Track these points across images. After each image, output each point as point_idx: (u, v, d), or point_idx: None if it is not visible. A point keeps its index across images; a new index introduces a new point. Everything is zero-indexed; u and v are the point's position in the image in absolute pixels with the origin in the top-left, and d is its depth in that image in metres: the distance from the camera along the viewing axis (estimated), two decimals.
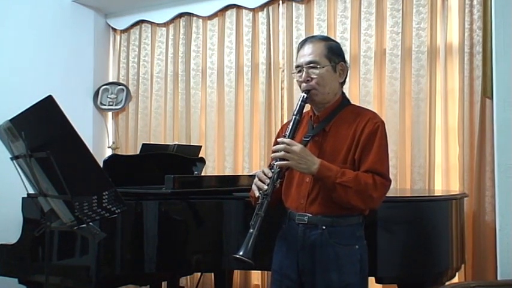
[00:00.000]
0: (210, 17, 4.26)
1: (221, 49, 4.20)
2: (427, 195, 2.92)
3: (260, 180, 1.85)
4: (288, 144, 1.80)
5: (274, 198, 1.93)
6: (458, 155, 3.27)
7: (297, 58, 1.99)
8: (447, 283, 2.53)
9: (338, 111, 1.95)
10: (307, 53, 1.91)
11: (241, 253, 1.74)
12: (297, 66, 1.95)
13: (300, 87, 1.94)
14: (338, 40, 3.65)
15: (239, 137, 4.08)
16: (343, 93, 2.03)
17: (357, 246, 1.89)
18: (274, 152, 1.84)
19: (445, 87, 3.38)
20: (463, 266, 2.90)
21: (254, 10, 4.05)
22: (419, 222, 2.46)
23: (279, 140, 1.85)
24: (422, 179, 3.35)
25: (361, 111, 1.98)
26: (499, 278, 2.63)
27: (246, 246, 1.74)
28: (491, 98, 2.95)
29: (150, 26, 4.57)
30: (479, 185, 3.16)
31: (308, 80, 1.90)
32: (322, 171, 1.79)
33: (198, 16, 4.31)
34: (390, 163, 3.35)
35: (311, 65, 1.90)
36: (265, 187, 1.81)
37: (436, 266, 2.49)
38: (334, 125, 1.93)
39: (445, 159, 3.35)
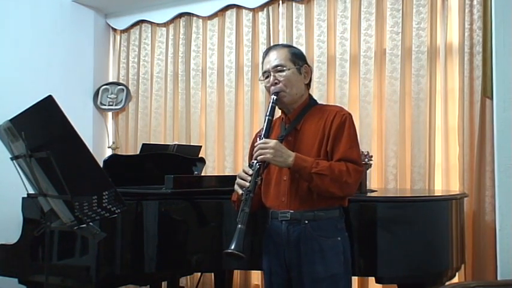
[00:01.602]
0: (210, 17, 4.26)
1: (221, 49, 4.20)
2: (427, 195, 2.92)
3: (242, 178, 1.94)
4: (262, 142, 1.94)
5: (256, 201, 2.01)
6: (458, 155, 3.27)
7: (262, 66, 2.13)
8: (447, 283, 2.53)
9: (307, 110, 2.09)
10: (273, 59, 2.06)
11: (232, 247, 1.79)
12: (264, 72, 2.09)
13: (269, 91, 2.08)
14: (338, 40, 3.69)
15: (239, 137, 4.07)
16: (309, 94, 2.16)
17: (339, 238, 2.00)
18: (253, 154, 1.97)
19: (445, 87, 3.38)
20: (463, 266, 2.90)
21: (254, 10, 4.05)
22: (419, 222, 2.45)
23: (255, 144, 1.98)
24: (422, 179, 3.35)
25: (327, 108, 2.12)
26: (499, 278, 2.62)
27: (236, 241, 1.80)
28: (491, 98, 2.95)
29: (150, 26, 4.57)
30: (479, 185, 3.16)
31: (276, 83, 2.04)
32: (298, 162, 1.90)
33: (198, 16, 4.31)
34: (390, 163, 3.44)
35: (278, 68, 2.04)
36: (248, 184, 1.90)
37: (436, 266, 2.49)
38: (305, 123, 2.06)
39: (445, 159, 3.35)
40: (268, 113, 2.02)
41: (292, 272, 1.99)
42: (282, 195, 2.02)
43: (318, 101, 2.21)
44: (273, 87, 2.05)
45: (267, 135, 1.99)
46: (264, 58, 2.13)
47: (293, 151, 1.96)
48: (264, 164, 1.96)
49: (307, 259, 1.96)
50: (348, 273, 2.04)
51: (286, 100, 2.05)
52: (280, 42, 3.75)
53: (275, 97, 2.03)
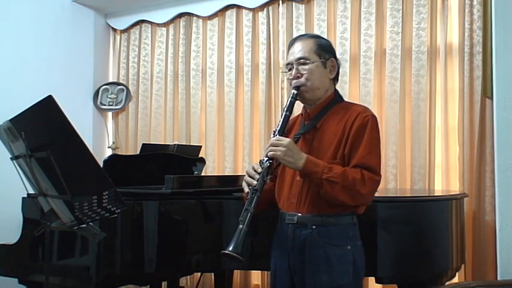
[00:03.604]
0: (210, 17, 4.26)
1: (221, 49, 4.20)
2: (427, 195, 2.92)
3: (250, 176, 1.83)
4: (276, 139, 1.81)
5: (267, 200, 1.94)
6: (458, 155, 3.27)
7: (287, 57, 1.99)
8: (447, 283, 2.53)
9: (329, 108, 1.93)
10: (297, 50, 1.92)
11: (230, 249, 1.69)
12: (288, 64, 1.95)
13: (291, 85, 1.95)
14: (338, 40, 3.68)
15: (239, 137, 4.07)
16: (336, 90, 2.01)
17: (349, 247, 1.85)
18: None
19: (445, 87, 3.38)
20: (463, 266, 2.90)
21: (254, 10, 4.05)
22: (419, 222, 2.45)
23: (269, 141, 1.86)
24: (422, 179, 3.35)
25: (352, 107, 1.95)
26: (499, 278, 2.62)
27: (235, 242, 1.70)
28: (491, 98, 2.95)
29: (150, 26, 4.58)
30: (479, 185, 3.16)
31: (298, 77, 1.90)
32: (308, 166, 1.77)
33: (198, 16, 4.31)
34: (390, 163, 3.43)
35: (301, 61, 1.90)
36: (255, 182, 1.78)
37: (436, 266, 2.49)
38: (325, 122, 1.91)
39: (445, 159, 3.35)
40: (286, 108, 1.89)
41: (296, 278, 1.88)
42: (292, 197, 1.90)
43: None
44: (294, 81, 1.91)
45: (282, 132, 1.86)
46: (289, 49, 1.98)
47: (310, 150, 1.86)
48: (274, 162, 1.83)
49: (311, 266, 1.84)
50: (358, 284, 1.90)
51: (307, 95, 1.91)
52: (308, 32, 3.56)
53: (295, 92, 1.89)
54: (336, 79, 1.99)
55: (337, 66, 1.97)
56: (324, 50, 1.93)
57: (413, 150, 3.40)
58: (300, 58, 1.90)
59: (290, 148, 1.77)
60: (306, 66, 1.89)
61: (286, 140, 1.79)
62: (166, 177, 2.53)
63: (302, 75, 1.90)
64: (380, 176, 1.85)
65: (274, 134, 1.86)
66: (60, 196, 1.88)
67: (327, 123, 1.91)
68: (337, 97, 1.99)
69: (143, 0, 4.41)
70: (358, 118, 1.84)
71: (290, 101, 1.89)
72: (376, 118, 1.89)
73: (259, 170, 1.80)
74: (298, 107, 2.05)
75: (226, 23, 4.18)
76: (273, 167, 1.85)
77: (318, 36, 2.03)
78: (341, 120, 1.88)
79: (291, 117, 2.05)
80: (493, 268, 2.88)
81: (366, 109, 1.92)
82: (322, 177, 1.75)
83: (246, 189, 1.82)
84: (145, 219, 2.50)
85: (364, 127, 1.83)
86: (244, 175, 1.88)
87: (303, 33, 3.75)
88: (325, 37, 3.68)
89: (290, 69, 1.94)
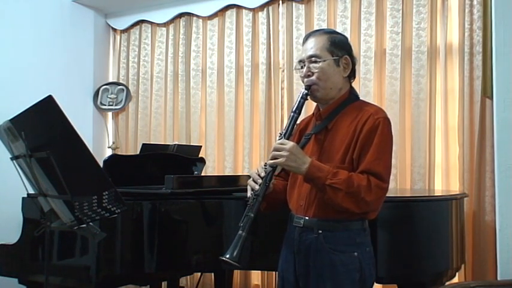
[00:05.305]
0: (210, 17, 4.26)
1: (221, 49, 4.20)
2: (427, 195, 2.91)
3: (254, 180, 1.78)
4: (279, 143, 1.75)
5: (280, 200, 1.91)
6: (458, 155, 3.27)
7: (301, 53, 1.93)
8: (447, 283, 2.53)
9: (342, 108, 1.85)
10: (309, 47, 1.85)
11: (227, 256, 1.66)
12: (300, 61, 1.89)
13: (303, 82, 1.88)
14: None
15: (239, 137, 4.08)
16: (352, 88, 1.92)
17: (355, 254, 1.78)
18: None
19: (445, 87, 3.38)
20: (463, 266, 2.90)
21: (254, 10, 4.05)
22: (419, 222, 2.45)
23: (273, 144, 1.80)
24: (422, 179, 3.35)
25: (364, 107, 1.84)
26: (499, 278, 2.63)
27: (233, 249, 1.66)
28: (491, 98, 2.95)
29: (150, 26, 4.58)
30: (479, 185, 3.16)
31: (309, 75, 1.83)
32: (311, 171, 1.69)
33: (198, 16, 4.32)
34: None
35: (312, 58, 1.83)
36: (257, 187, 1.74)
37: (436, 266, 2.49)
38: (338, 122, 1.83)
39: (445, 159, 3.35)
40: (294, 109, 1.81)
41: (301, 282, 1.83)
42: (301, 199, 1.84)
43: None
44: (305, 80, 1.84)
45: (289, 134, 1.78)
46: (302, 45, 1.91)
47: (321, 152, 1.80)
48: (277, 167, 1.77)
49: (316, 272, 1.78)
50: None
51: (319, 95, 1.83)
52: (325, 28, 3.45)
53: (305, 91, 1.81)
54: (351, 77, 1.90)
55: (351, 63, 1.87)
56: (338, 47, 1.84)
57: (413, 150, 3.40)
58: (311, 56, 1.83)
59: (293, 152, 1.70)
60: (317, 65, 1.81)
61: (289, 144, 1.72)
62: (166, 177, 2.53)
63: (313, 73, 1.82)
64: (387, 183, 1.77)
65: (280, 136, 1.79)
66: (60, 196, 1.88)
67: (339, 124, 1.83)
68: (352, 96, 1.90)
69: (143, 0, 4.42)
70: (369, 120, 1.75)
71: (299, 101, 1.81)
72: (388, 121, 1.79)
73: (262, 174, 1.76)
74: (307, 110, 2.01)
75: (226, 23, 4.18)
76: (275, 171, 1.80)
77: (332, 32, 1.93)
78: (353, 121, 1.79)
79: (305, 117, 2.02)
80: (493, 268, 2.88)
81: (378, 111, 1.81)
82: (325, 183, 1.68)
83: (248, 194, 1.77)
84: (145, 219, 2.50)
85: (374, 130, 1.74)
86: (245, 175, 1.87)
87: (304, 33, 3.77)
88: None
89: (302, 67, 1.86)
